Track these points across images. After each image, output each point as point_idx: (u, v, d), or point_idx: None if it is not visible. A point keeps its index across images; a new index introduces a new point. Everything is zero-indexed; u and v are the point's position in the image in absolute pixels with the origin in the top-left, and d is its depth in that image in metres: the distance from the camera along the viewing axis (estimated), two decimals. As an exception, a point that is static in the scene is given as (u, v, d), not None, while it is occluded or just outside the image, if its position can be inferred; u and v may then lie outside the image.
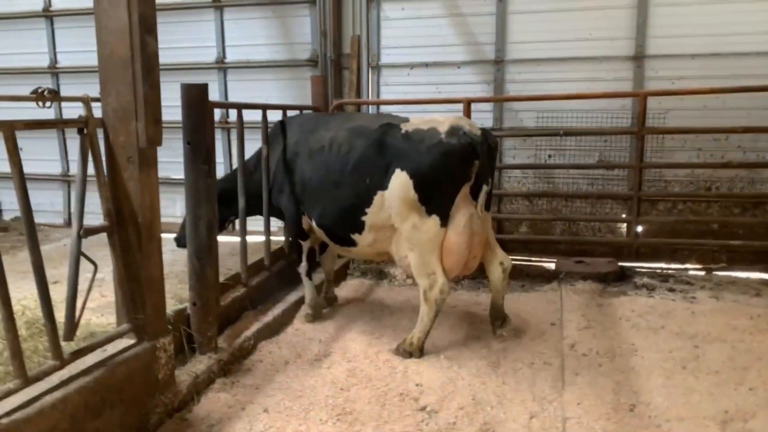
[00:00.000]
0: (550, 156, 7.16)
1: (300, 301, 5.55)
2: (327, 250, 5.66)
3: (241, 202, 4.84)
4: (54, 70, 8.85)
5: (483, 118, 7.28)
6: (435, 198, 4.26)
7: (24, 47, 8.96)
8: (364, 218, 4.57)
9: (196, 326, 4.19)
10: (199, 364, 4.11)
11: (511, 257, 5.04)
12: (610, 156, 6.96)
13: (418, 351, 4.53)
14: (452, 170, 4.22)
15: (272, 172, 5.10)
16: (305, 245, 5.28)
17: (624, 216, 6.89)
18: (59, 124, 7.20)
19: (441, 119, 4.41)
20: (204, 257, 4.13)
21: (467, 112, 6.37)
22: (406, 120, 4.61)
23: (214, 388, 4.07)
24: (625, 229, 6.98)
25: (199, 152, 4.04)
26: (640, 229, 6.85)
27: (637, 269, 6.73)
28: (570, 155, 7.06)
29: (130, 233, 3.28)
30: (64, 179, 9.21)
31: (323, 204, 4.78)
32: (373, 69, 7.61)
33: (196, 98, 4.02)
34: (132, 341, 3.41)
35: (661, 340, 4.85)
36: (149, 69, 3.15)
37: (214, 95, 8.17)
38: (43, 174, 9.07)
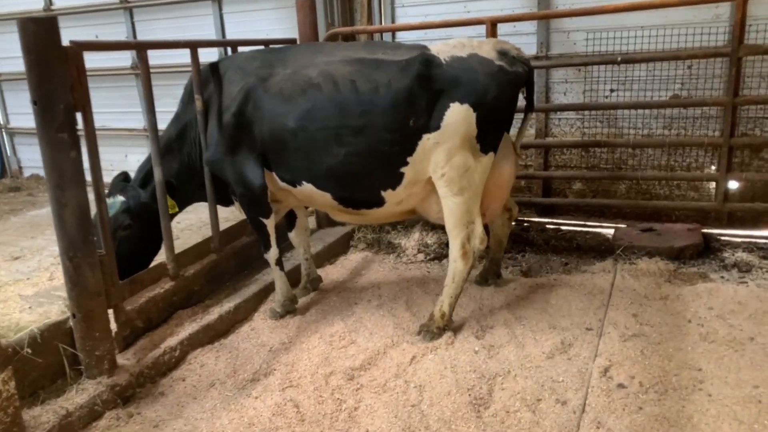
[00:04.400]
0: (612, 90, 5.42)
1: (266, 290, 4.47)
2: (296, 222, 4.49)
3: (158, 174, 3.71)
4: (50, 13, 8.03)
5: (524, 43, 5.63)
6: (493, 132, 3.69)
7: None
8: (404, 169, 3.64)
9: (80, 343, 3.21)
10: (82, 393, 3.15)
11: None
12: (696, 88, 5.13)
13: (451, 321, 3.91)
14: (511, 99, 3.75)
15: (209, 134, 3.91)
16: (270, 223, 4.11)
17: (713, 170, 5.12)
18: None
19: (474, 42, 3.73)
20: (78, 256, 3.09)
21: (491, 37, 4.80)
22: (426, 47, 3.67)
23: (98, 426, 3.10)
24: (714, 188, 5.19)
25: (52, 115, 2.92)
26: (734, 186, 5.06)
27: (729, 240, 5.02)
28: (640, 88, 5.30)
29: None
30: None
31: (330, 160, 3.65)
32: (385, -13, 6.12)
33: (38, 38, 2.86)
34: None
35: (744, 363, 3.32)
36: None
37: (207, 31, 7.04)
38: None
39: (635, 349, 3.52)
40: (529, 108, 4.01)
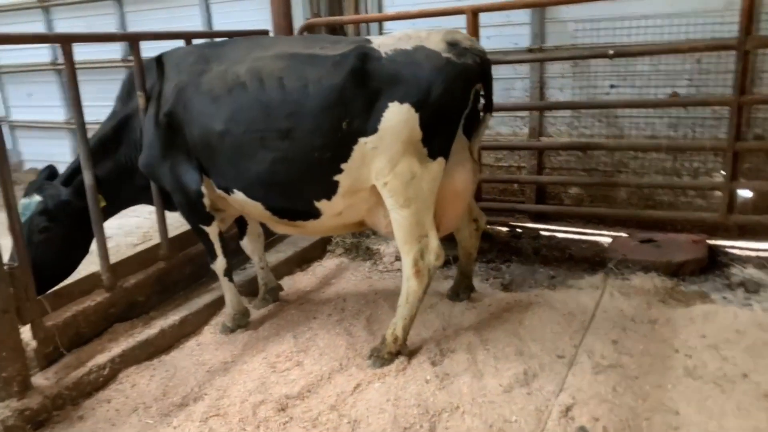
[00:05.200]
0: (612, 86, 4.93)
1: (220, 301, 4.16)
2: (247, 228, 4.18)
3: (88, 178, 3.43)
4: (44, 4, 7.88)
5: (517, 34, 5.20)
6: (441, 135, 3.24)
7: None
8: (338, 177, 3.25)
9: (-14, 364, 2.96)
10: (-14, 418, 2.90)
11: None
12: (707, 85, 4.61)
13: (405, 346, 3.49)
14: (461, 97, 3.25)
15: (144, 134, 3.62)
16: (212, 231, 3.80)
17: (720, 176, 4.59)
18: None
19: (421, 33, 3.27)
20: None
21: (472, 27, 4.38)
22: (368, 40, 3.27)
23: (0, 455, 2.86)
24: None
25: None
26: (746, 195, 4.53)
27: (738, 255, 4.50)
28: (643, 84, 4.80)
29: None
30: None
31: (257, 167, 3.31)
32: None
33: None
34: None
35: (730, 407, 2.87)
36: None
37: (194, 22, 6.79)
38: None
39: (607, 384, 3.09)
40: (487, 107, 3.47)
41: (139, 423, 3.09)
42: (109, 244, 5.80)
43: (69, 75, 3.29)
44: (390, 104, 3.10)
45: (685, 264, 4.35)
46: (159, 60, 3.71)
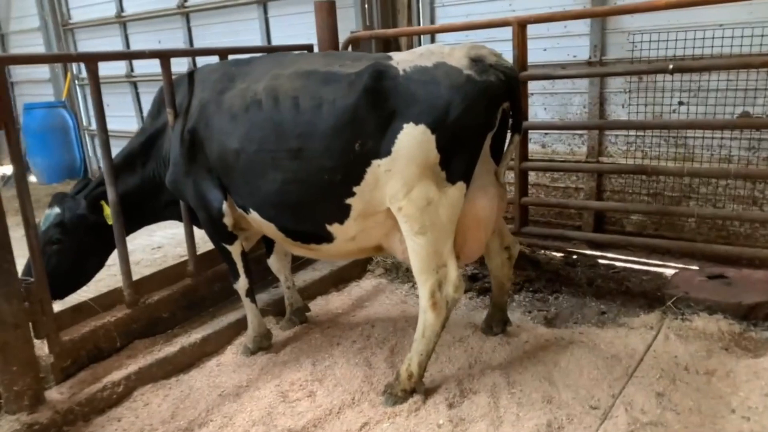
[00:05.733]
0: (681, 103, 4.45)
1: (245, 320, 4.08)
2: (274, 246, 4.08)
3: (111, 194, 3.44)
4: (121, 20, 8.26)
5: (577, 45, 4.83)
6: (462, 158, 3.00)
7: None
8: (350, 201, 3.08)
9: (-2, 377, 3.01)
10: (-5, 432, 2.95)
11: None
12: (791, 101, 4.06)
13: (421, 383, 3.25)
14: (484, 117, 3.00)
15: (171, 150, 3.60)
16: (235, 250, 3.74)
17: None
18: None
19: (444, 49, 3.07)
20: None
21: (521, 41, 4.08)
22: (389, 56, 3.08)
23: (4, 471, 2.89)
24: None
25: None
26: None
27: (825, 298, 3.91)
28: (718, 102, 4.30)
29: None
30: None
31: (268, 187, 3.23)
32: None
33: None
34: None
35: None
36: None
37: (253, 35, 6.85)
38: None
39: (642, 448, 2.72)
40: (515, 128, 3.21)
41: (139, 448, 3.04)
42: (158, 254, 6.04)
43: (93, 93, 3.33)
44: (405, 125, 2.89)
45: (759, 306, 3.81)
46: (190, 76, 3.70)
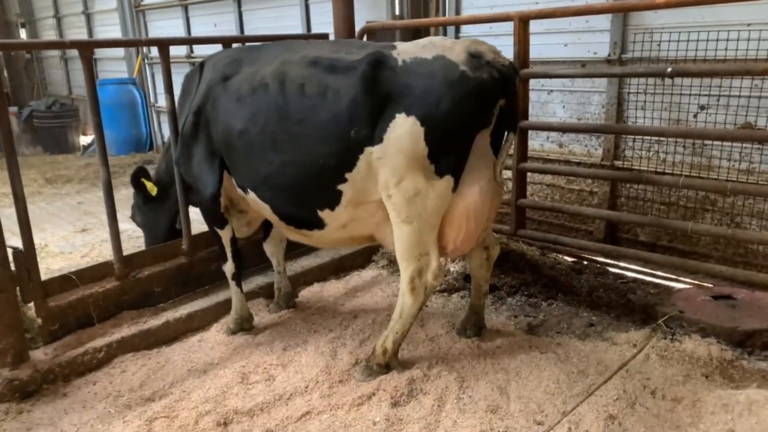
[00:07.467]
0: (702, 108, 4.14)
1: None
2: (270, 230, 4.21)
3: (103, 174, 3.69)
4: (183, 3, 8.65)
5: (597, 42, 4.60)
6: (450, 152, 3.08)
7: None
8: (341, 187, 3.22)
9: (-15, 334, 3.33)
10: (-22, 385, 3.27)
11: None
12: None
13: (395, 359, 3.44)
14: (477, 113, 3.05)
15: (180, 131, 3.81)
16: (225, 234, 3.90)
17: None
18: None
19: (446, 42, 3.12)
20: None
21: (522, 36, 3.94)
22: (393, 46, 3.16)
23: (-19, 420, 3.21)
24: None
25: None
26: None
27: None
28: (741, 105, 3.96)
29: None
30: None
31: (266, 169, 3.39)
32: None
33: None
34: None
35: None
36: None
37: (295, 21, 6.99)
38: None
39: (571, 470, 2.62)
40: (511, 126, 3.20)
41: (103, 410, 3.26)
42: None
43: (87, 79, 3.55)
44: (397, 115, 2.97)
45: (756, 334, 3.53)
46: (203, 63, 3.87)
